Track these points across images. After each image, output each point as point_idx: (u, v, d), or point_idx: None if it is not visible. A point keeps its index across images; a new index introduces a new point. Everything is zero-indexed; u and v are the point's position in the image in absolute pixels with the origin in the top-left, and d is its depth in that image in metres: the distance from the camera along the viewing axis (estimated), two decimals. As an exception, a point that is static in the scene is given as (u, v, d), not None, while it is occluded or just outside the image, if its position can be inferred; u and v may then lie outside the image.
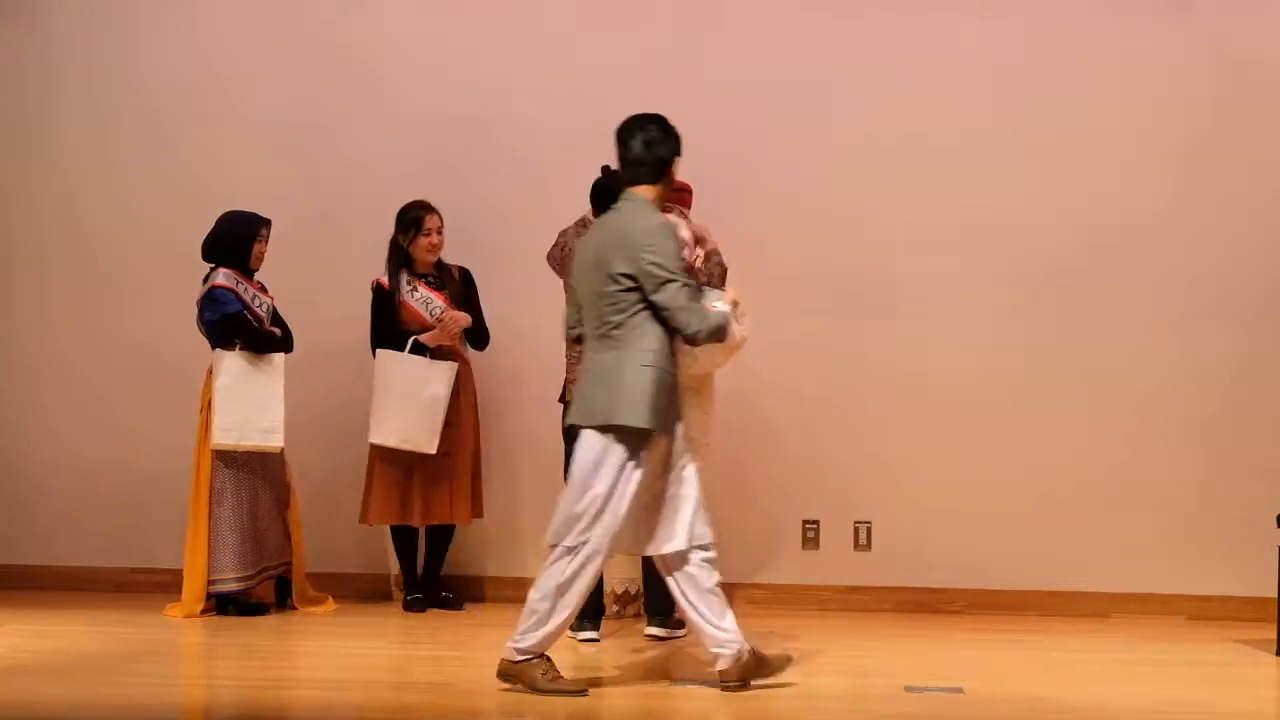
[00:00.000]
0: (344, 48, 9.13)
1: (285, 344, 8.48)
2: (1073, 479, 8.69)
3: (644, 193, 6.64)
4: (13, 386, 9.34)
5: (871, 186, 8.76)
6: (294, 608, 8.52)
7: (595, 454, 6.45)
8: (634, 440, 6.43)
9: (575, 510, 6.47)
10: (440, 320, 8.48)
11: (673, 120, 8.60)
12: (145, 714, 6.33)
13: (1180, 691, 6.94)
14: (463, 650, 7.69)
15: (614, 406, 6.40)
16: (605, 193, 7.75)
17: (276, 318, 8.52)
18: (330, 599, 8.63)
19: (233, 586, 8.30)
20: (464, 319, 8.53)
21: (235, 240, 8.41)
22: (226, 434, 8.28)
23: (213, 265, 8.42)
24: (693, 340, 6.49)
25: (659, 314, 6.43)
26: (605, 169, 7.96)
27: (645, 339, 6.43)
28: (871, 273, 8.74)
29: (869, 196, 8.74)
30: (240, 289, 8.38)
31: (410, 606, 8.56)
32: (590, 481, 6.45)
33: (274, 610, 8.45)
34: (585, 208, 8.01)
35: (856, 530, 8.75)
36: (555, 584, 6.47)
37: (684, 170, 7.03)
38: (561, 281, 7.84)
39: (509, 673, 6.55)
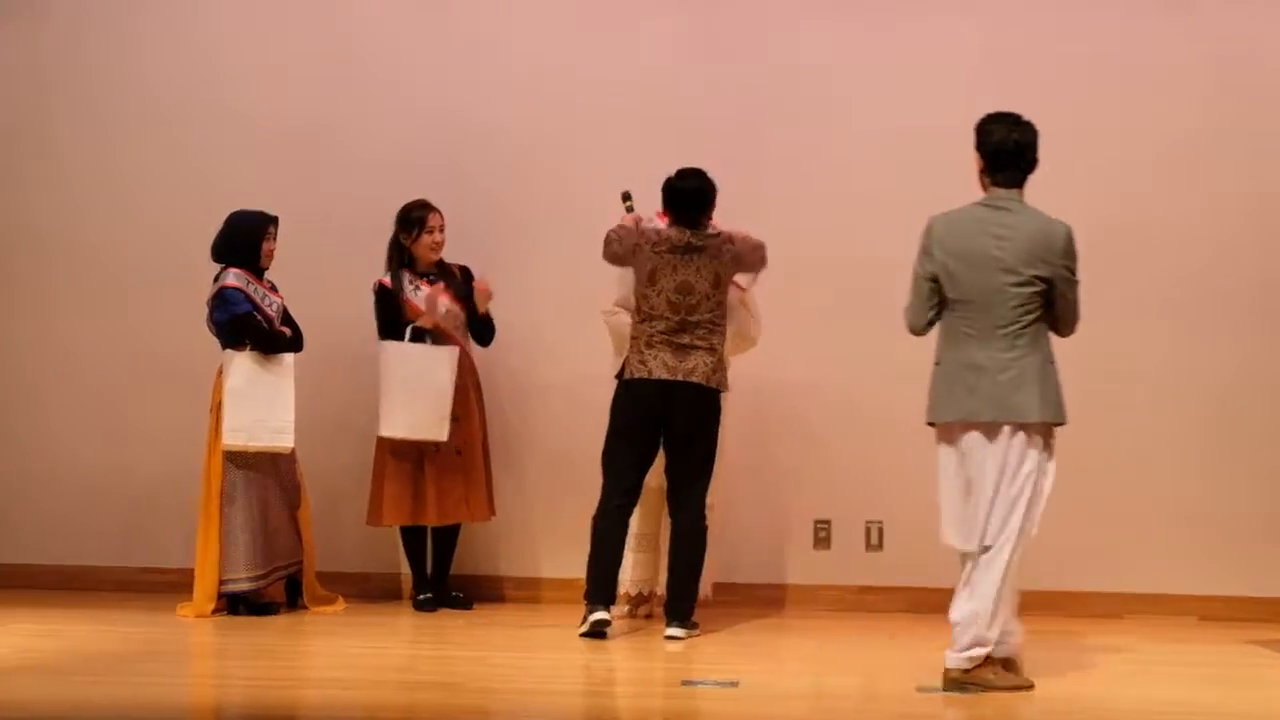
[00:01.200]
0: (347, 47, 9.11)
1: (295, 344, 8.47)
2: (1083, 478, 8.59)
3: (1017, 194, 6.71)
4: (19, 388, 9.31)
5: (873, 186, 8.73)
6: (304, 607, 8.51)
7: (1021, 449, 6.66)
8: (1050, 435, 6.72)
9: (1011, 501, 6.67)
10: (427, 299, 8.47)
11: (672, 120, 8.69)
12: (155, 713, 6.33)
13: (1191, 692, 6.93)
14: (472, 650, 7.69)
15: (1045, 406, 6.64)
16: (687, 194, 7.75)
17: (286, 317, 8.51)
18: (340, 599, 8.62)
19: (244, 586, 8.30)
20: (442, 294, 8.49)
21: (244, 240, 8.40)
22: (237, 435, 8.27)
23: (223, 265, 8.42)
24: (1066, 335, 6.77)
25: (1049, 311, 6.66)
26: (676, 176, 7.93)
27: (1045, 338, 6.70)
28: (876, 271, 8.66)
29: (870, 196, 8.71)
30: (250, 289, 8.38)
31: (420, 606, 8.56)
32: (1019, 473, 6.66)
33: (284, 610, 8.44)
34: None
35: (868, 530, 8.73)
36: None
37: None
38: (636, 271, 7.83)
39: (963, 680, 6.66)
